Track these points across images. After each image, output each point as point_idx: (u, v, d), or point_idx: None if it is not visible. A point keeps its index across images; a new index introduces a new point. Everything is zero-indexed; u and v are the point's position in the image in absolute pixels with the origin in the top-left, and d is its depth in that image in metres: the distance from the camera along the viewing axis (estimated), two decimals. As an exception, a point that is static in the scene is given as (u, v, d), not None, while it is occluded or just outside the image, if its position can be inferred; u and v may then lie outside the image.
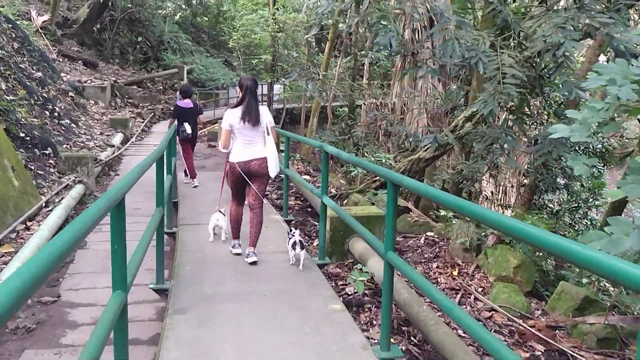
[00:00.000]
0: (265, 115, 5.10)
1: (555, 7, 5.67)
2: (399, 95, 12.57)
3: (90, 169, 9.04)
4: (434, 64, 6.00)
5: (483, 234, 6.75)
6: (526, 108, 7.84)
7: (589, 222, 14.11)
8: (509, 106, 7.14)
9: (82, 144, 11.60)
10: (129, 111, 18.58)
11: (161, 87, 24.07)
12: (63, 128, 11.82)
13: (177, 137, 9.08)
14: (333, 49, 18.69)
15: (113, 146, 12.32)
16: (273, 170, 5.10)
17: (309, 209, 8.93)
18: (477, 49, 4.97)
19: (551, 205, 14.44)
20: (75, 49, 21.16)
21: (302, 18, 18.59)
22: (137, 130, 15.87)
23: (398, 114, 12.64)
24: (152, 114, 19.72)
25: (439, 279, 6.13)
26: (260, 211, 5.23)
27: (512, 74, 5.03)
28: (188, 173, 9.73)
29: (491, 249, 6.41)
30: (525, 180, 13.63)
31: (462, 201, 2.64)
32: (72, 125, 12.70)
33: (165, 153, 6.76)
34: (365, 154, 10.94)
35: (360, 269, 5.40)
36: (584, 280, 6.49)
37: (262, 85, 27.44)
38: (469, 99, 12.44)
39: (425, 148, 9.00)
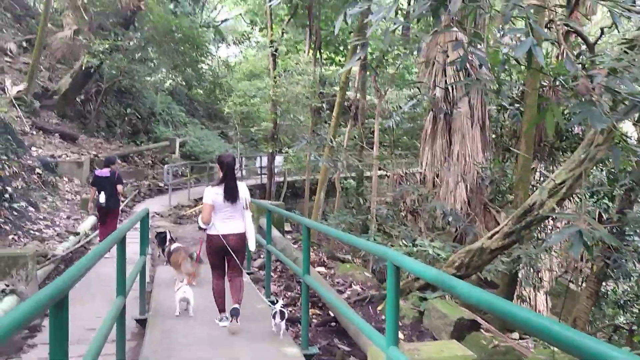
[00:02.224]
0: (243, 191, 5.43)
1: None
2: (430, 164, 10.30)
3: (29, 272, 6.55)
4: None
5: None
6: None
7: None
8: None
9: (36, 234, 9.15)
10: (110, 189, 16.24)
11: (150, 162, 21.90)
12: (15, 213, 9.41)
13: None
14: (340, 115, 16.70)
15: (78, 234, 9.85)
16: (252, 244, 5.47)
17: (333, 324, 6.40)
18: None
19: (614, 296, 11.94)
20: (54, 121, 19.12)
21: (304, 84, 16.63)
22: (115, 212, 13.47)
23: (430, 186, 10.32)
24: (137, 191, 17.40)
25: None
26: (240, 279, 5.47)
27: None
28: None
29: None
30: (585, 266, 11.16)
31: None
32: (30, 208, 10.30)
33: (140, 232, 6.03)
34: (402, 240, 8.51)
35: None
36: None
37: (260, 157, 25.36)
38: (517, 168, 10.19)
39: (491, 235, 6.58)
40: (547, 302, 12.34)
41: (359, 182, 21.03)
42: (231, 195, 5.24)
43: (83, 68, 19.41)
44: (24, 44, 22.24)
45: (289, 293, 7.63)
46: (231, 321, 5.19)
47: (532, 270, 9.28)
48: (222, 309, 5.47)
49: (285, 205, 14.14)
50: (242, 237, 5.35)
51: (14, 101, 17.55)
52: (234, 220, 5.31)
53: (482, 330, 5.83)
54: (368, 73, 20.16)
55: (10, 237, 8.32)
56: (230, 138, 30.80)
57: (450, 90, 9.95)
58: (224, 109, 20.90)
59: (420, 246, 7.05)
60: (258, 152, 27.12)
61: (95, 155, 17.61)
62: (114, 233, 4.14)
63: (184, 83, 32.61)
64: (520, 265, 8.77)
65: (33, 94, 19.19)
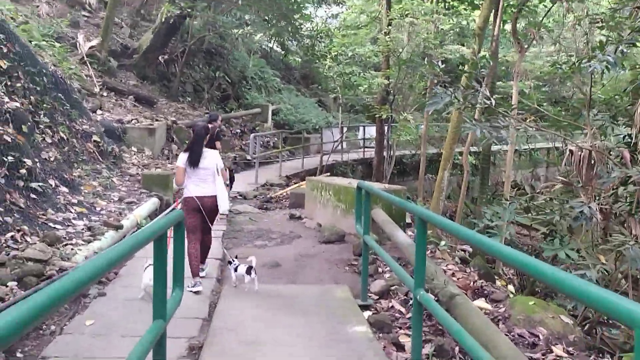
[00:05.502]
0: (216, 158, 5.86)
1: None
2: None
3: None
4: None
5: None
6: None
7: None
8: None
9: (56, 227, 6.32)
10: (187, 162, 13.50)
11: (238, 130, 19.11)
12: (33, 196, 6.63)
13: None
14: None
15: (121, 228, 6.94)
16: (223, 206, 5.87)
17: None
18: None
19: None
20: (132, 82, 16.71)
21: (429, 30, 12.82)
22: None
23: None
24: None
25: None
26: (209, 237, 6.06)
27: None
28: None
29: None
30: None
31: None
32: (62, 189, 7.53)
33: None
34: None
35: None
36: None
37: (364, 127, 21.90)
38: None
39: None
40: None
41: (484, 159, 17.09)
42: (193, 160, 5.65)
43: (163, 19, 16.76)
44: (106, -2, 20.05)
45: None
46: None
47: None
48: (196, 274, 5.66)
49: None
50: (214, 199, 5.76)
51: (85, 58, 15.26)
52: (206, 184, 5.74)
53: None
54: (502, 24, 16.03)
55: (9, 235, 5.49)
56: (328, 107, 27.59)
57: None
58: (324, 70, 17.52)
59: None
60: (360, 122, 23.66)
61: (173, 122, 14.95)
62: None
63: (278, 49, 29.74)
64: None
65: (110, 51, 16.89)
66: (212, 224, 5.99)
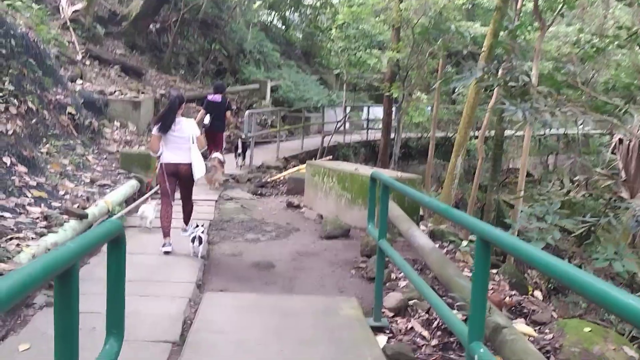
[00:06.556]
0: (191, 127, 5.87)
1: None
2: None
3: None
4: None
5: None
6: None
7: None
8: None
9: (3, 216, 5.19)
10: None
11: (234, 107, 17.86)
12: (-20, 177, 5.49)
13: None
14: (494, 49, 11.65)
15: (86, 217, 5.81)
16: (197, 174, 5.93)
17: None
18: None
19: None
20: (119, 51, 15.43)
21: None
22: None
23: None
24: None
25: None
26: (190, 203, 6.28)
27: None
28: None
29: None
30: None
31: None
32: (18, 168, 6.38)
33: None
34: None
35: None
36: None
37: (368, 107, 20.67)
38: None
39: None
40: None
41: (497, 144, 15.94)
42: (164, 126, 5.71)
43: (154, -16, 15.47)
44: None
45: None
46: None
47: None
48: (167, 234, 5.83)
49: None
50: (189, 167, 5.81)
51: (68, 23, 13.99)
52: (181, 151, 5.79)
53: None
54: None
55: None
56: (330, 85, 26.32)
57: None
58: (327, 45, 16.24)
59: None
60: (364, 102, 22.42)
61: (162, 95, 13.74)
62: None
63: (279, 23, 28.35)
64: None
65: (97, 17, 15.61)
66: (190, 192, 6.20)
